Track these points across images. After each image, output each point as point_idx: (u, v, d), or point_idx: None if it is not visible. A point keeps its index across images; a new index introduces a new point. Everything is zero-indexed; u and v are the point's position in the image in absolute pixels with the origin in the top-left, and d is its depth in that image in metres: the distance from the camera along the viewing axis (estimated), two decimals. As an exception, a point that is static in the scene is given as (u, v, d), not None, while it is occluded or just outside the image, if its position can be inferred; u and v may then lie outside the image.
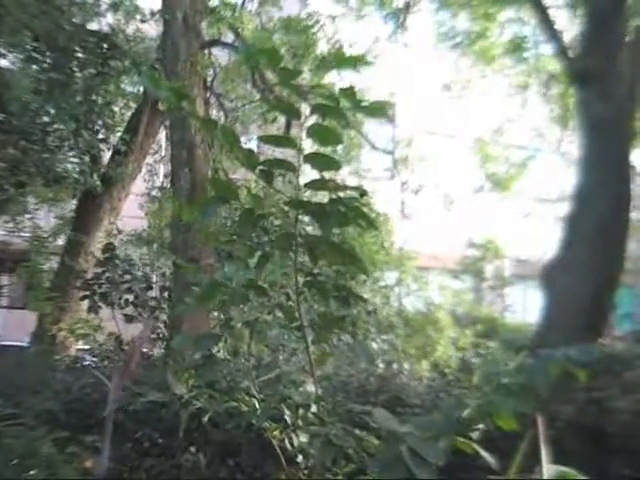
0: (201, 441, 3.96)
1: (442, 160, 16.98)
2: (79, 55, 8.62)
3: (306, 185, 2.84)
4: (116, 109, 9.68)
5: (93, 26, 8.89)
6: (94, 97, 8.84)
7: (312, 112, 2.65)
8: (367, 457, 3.06)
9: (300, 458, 3.50)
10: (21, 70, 8.26)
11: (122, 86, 9.68)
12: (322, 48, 11.17)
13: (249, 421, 3.72)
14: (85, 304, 6.58)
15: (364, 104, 2.59)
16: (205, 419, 3.82)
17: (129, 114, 10.28)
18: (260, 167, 2.79)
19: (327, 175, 2.84)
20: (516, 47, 12.29)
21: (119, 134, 9.93)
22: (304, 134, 2.69)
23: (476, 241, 19.14)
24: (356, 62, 2.64)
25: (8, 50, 8.29)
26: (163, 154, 11.74)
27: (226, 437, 3.92)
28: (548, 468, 2.10)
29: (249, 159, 2.76)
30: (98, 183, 9.24)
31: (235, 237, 3.32)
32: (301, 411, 3.53)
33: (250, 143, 10.79)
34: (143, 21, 9.14)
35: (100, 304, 6.35)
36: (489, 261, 19.40)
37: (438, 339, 10.07)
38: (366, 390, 4.65)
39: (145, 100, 9.98)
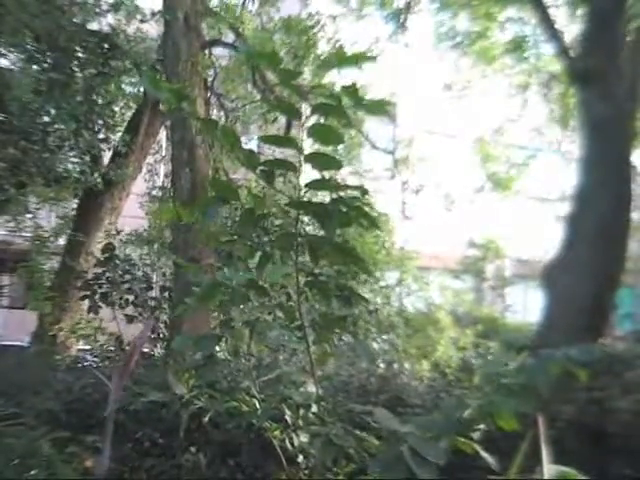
0: (202, 441, 3.95)
1: (443, 160, 17.01)
2: (80, 55, 8.62)
3: (307, 185, 2.83)
4: (116, 109, 9.68)
5: (94, 26, 8.88)
6: (94, 97, 8.84)
7: (313, 112, 2.63)
8: (368, 457, 3.05)
9: (301, 458, 3.50)
10: (21, 70, 8.26)
11: (123, 86, 9.68)
12: (323, 48, 11.16)
13: (250, 421, 3.72)
14: (85, 304, 6.59)
15: (366, 102, 2.58)
16: (206, 419, 3.82)
17: (130, 114, 10.28)
18: (261, 167, 2.78)
19: (328, 175, 2.83)
20: (516, 47, 12.29)
21: (120, 134, 9.94)
22: (304, 134, 2.68)
23: (477, 241, 19.18)
24: (359, 59, 2.62)
25: (8, 50, 8.29)
26: (164, 154, 11.72)
27: (227, 437, 3.92)
28: (549, 468, 2.10)
29: (250, 159, 2.76)
30: (99, 181, 9.25)
31: (236, 237, 3.32)
32: (302, 411, 3.53)
33: (251, 143, 10.81)
34: (144, 21, 9.14)
35: (100, 304, 6.36)
36: (490, 261, 19.44)
37: (439, 339, 10.04)
38: (367, 390, 4.64)
39: (146, 100, 9.99)
